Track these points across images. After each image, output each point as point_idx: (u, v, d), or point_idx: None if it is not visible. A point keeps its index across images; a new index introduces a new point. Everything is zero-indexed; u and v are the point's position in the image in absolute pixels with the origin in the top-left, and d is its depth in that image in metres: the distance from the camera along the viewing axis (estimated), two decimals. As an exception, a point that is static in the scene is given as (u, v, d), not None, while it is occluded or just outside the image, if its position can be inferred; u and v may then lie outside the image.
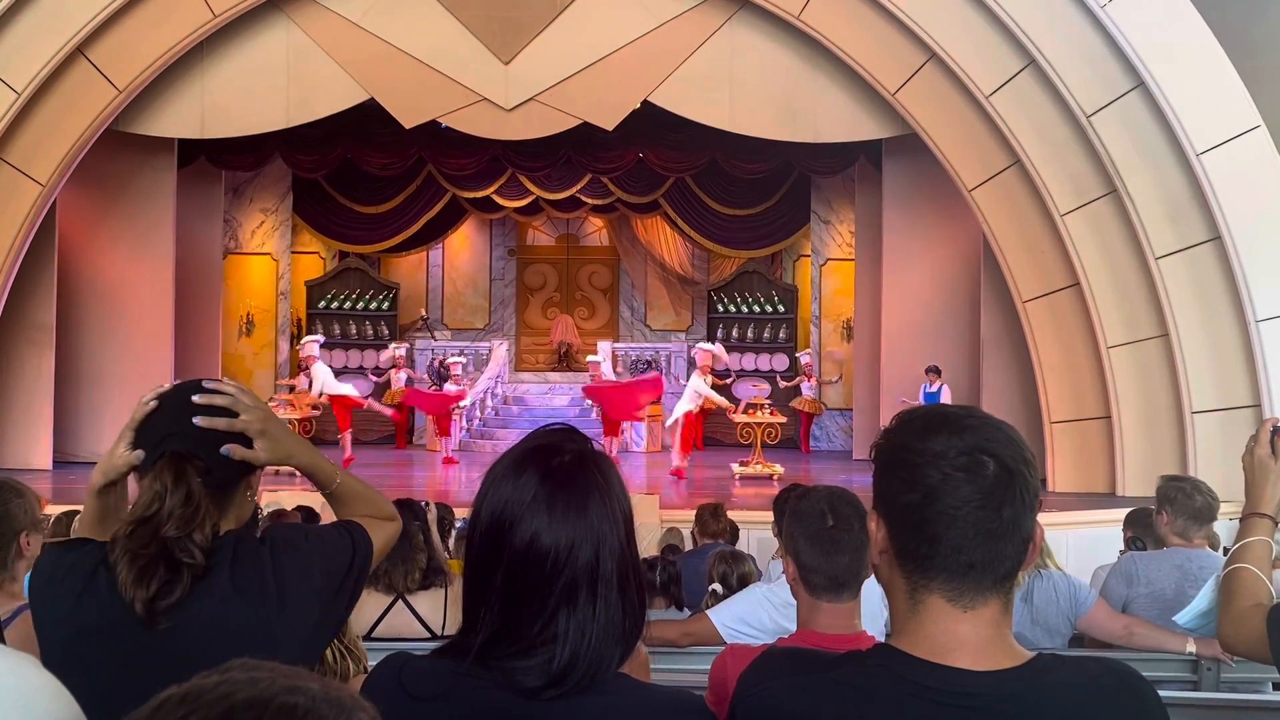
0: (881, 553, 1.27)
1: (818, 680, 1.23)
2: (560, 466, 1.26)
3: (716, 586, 3.86)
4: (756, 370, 16.58)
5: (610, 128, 12.36)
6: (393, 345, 15.40)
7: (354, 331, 16.92)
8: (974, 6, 10.80)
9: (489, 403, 15.52)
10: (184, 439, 1.64)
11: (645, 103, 12.24)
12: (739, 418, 13.13)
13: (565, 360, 17.69)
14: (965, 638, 1.22)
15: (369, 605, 3.42)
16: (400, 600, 3.44)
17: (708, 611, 3.72)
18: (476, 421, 15.22)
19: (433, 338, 17.00)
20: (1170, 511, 3.95)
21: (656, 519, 9.20)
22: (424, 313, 17.45)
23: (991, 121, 11.07)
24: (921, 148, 11.69)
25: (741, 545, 7.28)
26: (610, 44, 11.78)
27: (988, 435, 1.23)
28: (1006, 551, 1.23)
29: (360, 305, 16.95)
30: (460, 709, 1.23)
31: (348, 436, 13.33)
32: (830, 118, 12.04)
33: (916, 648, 1.23)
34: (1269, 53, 11.03)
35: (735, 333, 17.20)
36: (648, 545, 8.37)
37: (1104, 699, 1.21)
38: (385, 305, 17.09)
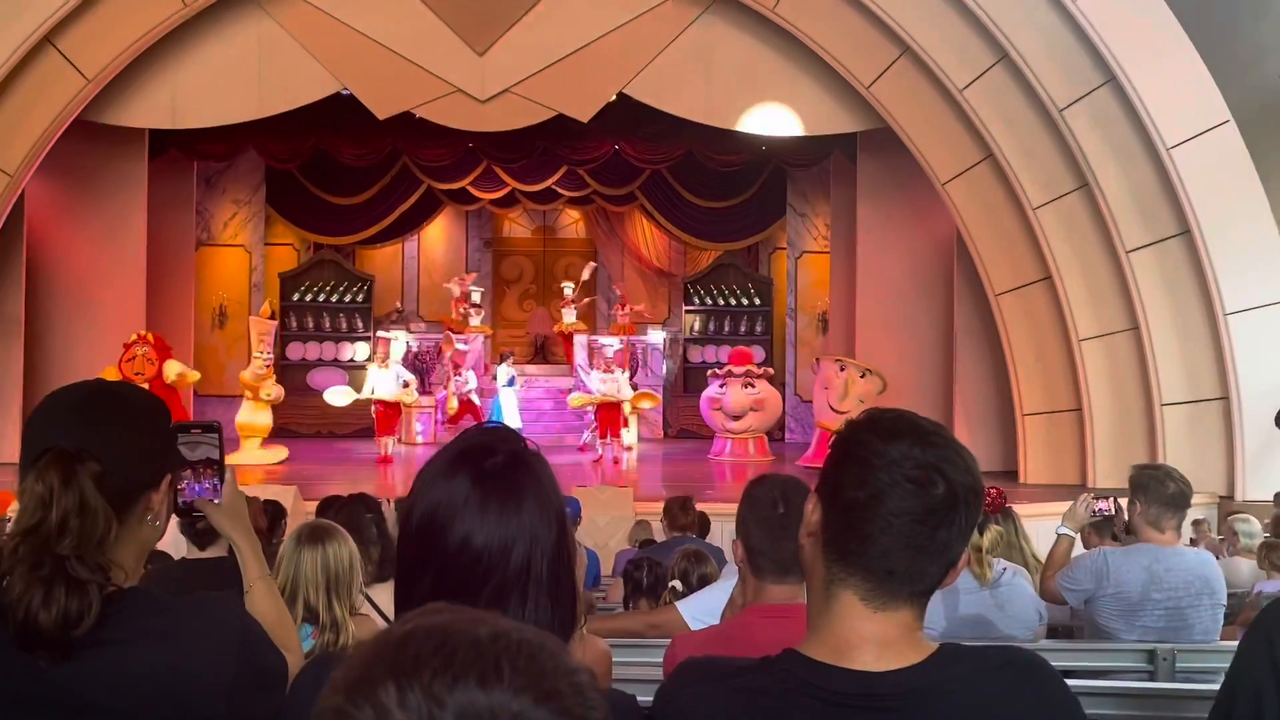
0: (810, 535, 1.28)
1: (726, 686, 1.24)
2: (493, 468, 1.25)
3: (676, 584, 3.86)
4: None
5: (585, 119, 12.33)
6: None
7: (327, 324, 16.83)
8: (947, 0, 10.83)
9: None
10: (74, 439, 1.44)
11: (621, 95, 12.23)
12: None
13: (543, 353, 17.66)
14: (870, 635, 1.23)
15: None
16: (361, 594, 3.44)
17: (676, 604, 3.74)
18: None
19: (407, 329, 16.92)
20: (1143, 500, 3.87)
21: (630, 511, 9.23)
22: (399, 305, 17.38)
23: (965, 115, 11.11)
24: (896, 141, 11.72)
25: (714, 537, 7.31)
26: (586, 35, 11.75)
27: (948, 457, 1.24)
28: (930, 570, 1.24)
29: (335, 298, 16.86)
30: None
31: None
32: (805, 111, 12.06)
33: (821, 648, 1.25)
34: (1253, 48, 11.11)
35: (712, 325, 17.23)
36: (620, 538, 8.40)
37: (1006, 688, 1.23)
38: (360, 298, 17.01)
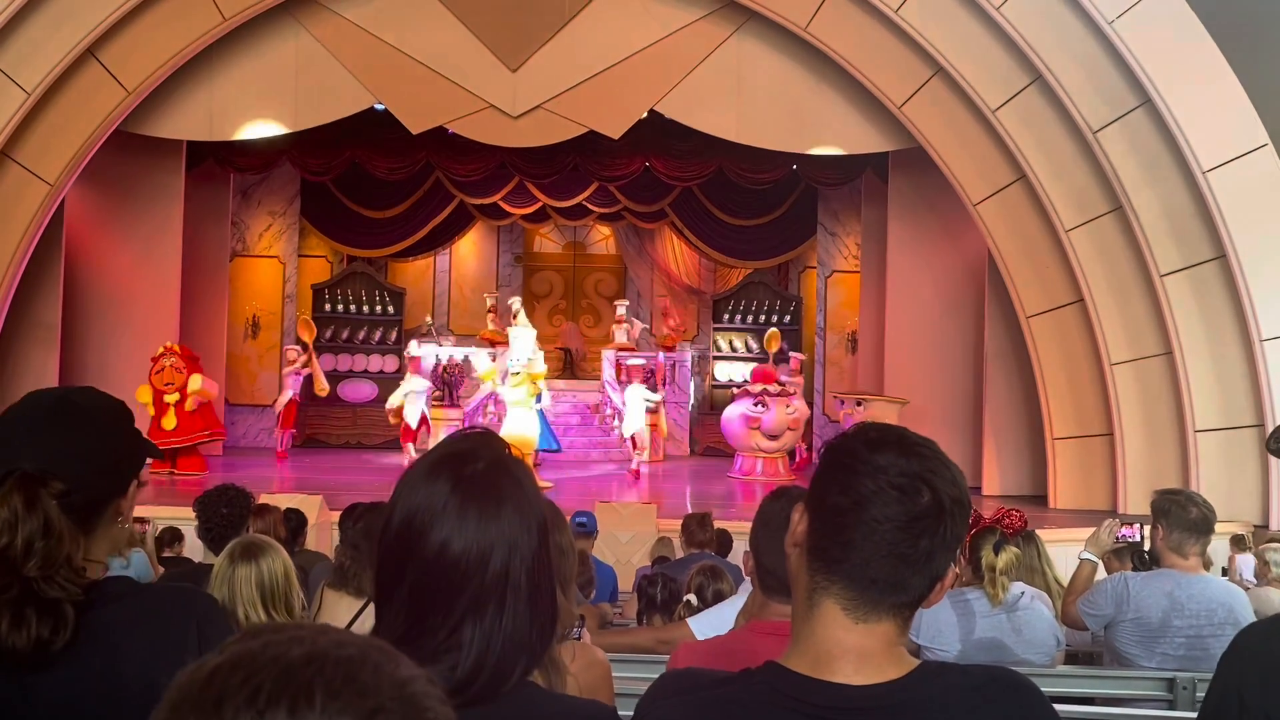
0: (795, 545, 1.27)
1: (703, 697, 1.23)
2: (474, 474, 1.25)
3: (691, 598, 3.83)
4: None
5: (617, 136, 12.38)
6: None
7: (359, 336, 16.96)
8: (981, 21, 10.79)
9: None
10: (38, 456, 1.43)
11: (652, 112, 12.27)
12: None
13: (571, 367, 17.67)
14: (851, 647, 1.22)
15: (340, 608, 3.42)
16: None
17: (688, 620, 3.71)
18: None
19: (438, 343, 17.01)
20: (1165, 525, 3.78)
21: (653, 528, 9.20)
22: (429, 319, 17.47)
23: (997, 136, 11.05)
24: (928, 161, 11.67)
25: (735, 555, 7.26)
26: (618, 53, 11.81)
27: (934, 468, 1.23)
28: (912, 581, 1.23)
29: (366, 310, 16.99)
30: None
31: None
32: (836, 130, 12.04)
33: (802, 660, 1.23)
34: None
35: (740, 343, 17.18)
36: (642, 555, 8.38)
37: (984, 706, 1.20)
38: (391, 310, 17.14)
